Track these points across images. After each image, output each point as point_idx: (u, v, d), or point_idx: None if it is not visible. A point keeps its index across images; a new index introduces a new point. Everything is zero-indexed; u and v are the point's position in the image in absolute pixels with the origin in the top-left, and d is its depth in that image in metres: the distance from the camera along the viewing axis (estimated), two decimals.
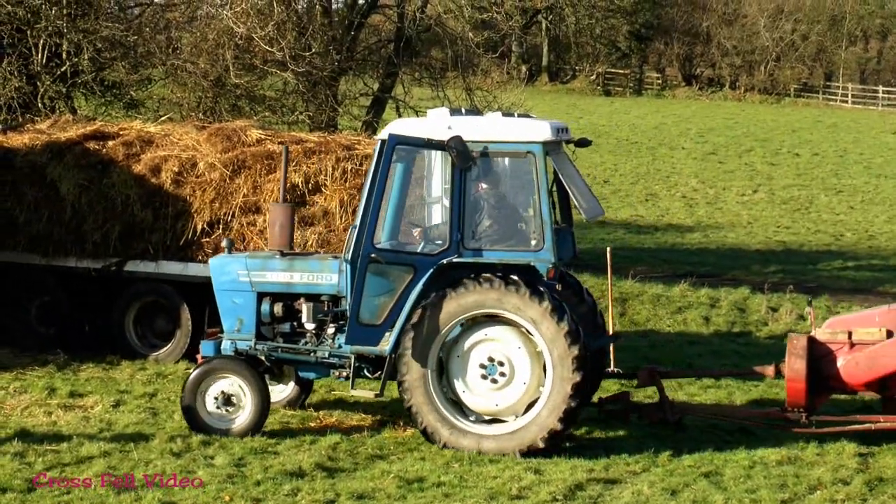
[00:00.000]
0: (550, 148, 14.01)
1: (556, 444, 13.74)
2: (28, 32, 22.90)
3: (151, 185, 17.65)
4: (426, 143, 13.97)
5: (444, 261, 13.72)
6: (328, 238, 17.00)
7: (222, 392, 14.24)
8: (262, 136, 18.15)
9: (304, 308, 14.50)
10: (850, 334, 14.27)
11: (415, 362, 13.72)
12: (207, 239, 17.40)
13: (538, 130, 13.99)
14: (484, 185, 14.04)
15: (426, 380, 13.75)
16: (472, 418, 13.85)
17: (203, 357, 14.65)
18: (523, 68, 73.85)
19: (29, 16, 22.83)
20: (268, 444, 13.92)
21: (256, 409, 14.20)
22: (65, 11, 23.01)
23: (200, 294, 17.25)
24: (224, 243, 15.24)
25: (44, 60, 23.14)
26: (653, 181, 41.06)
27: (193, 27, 25.79)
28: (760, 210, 36.21)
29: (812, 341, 14.27)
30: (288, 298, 14.63)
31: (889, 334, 14.22)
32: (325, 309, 14.48)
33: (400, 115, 27.71)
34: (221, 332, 14.96)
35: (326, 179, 17.38)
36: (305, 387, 15.63)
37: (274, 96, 25.71)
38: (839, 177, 43.94)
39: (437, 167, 14.65)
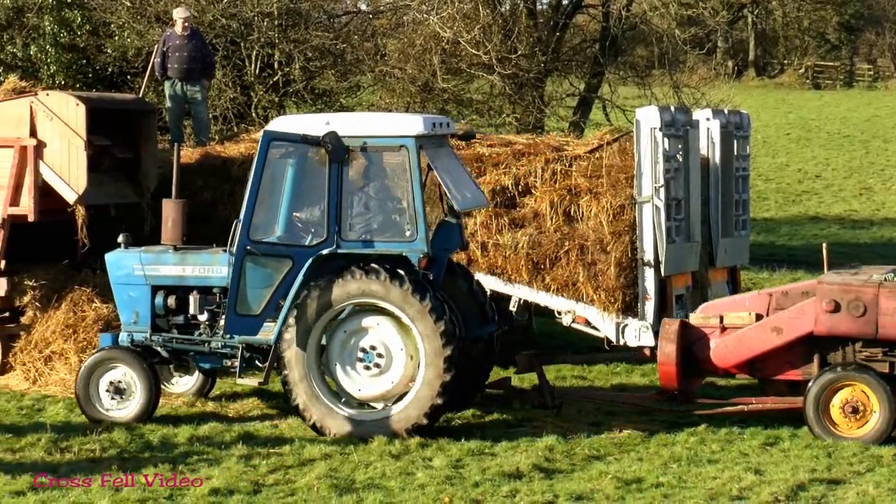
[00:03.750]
0: (425, 142, 14.37)
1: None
2: (241, 44, 23.46)
3: None
4: (302, 139, 14.35)
5: (324, 252, 14.19)
6: (539, 240, 16.97)
7: (112, 381, 14.89)
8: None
9: (197, 300, 15.04)
10: (721, 318, 14.68)
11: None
12: None
13: (411, 125, 14.38)
14: (362, 178, 14.55)
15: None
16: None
17: (100, 348, 15.35)
18: (730, 64, 72.91)
19: (242, 28, 23.37)
20: (484, 445, 14.00)
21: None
22: (276, 23, 23.49)
23: None
24: (120, 238, 15.67)
25: (257, 71, 23.68)
26: (867, 175, 40.13)
27: (400, 33, 26.10)
28: None
29: (685, 326, 14.72)
30: (181, 291, 15.18)
31: (758, 318, 14.57)
32: (217, 300, 14.96)
33: (607, 115, 27.64)
34: None
35: (536, 181, 17.37)
36: (210, 376, 16.16)
37: (481, 99, 25.85)
38: None
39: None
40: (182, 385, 16.26)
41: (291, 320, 14.23)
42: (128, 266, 15.37)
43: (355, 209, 14.47)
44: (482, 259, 17.01)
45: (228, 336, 14.74)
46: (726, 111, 18.56)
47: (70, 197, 17.19)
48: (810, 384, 14.19)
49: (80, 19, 23.46)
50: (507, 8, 26.72)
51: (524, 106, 25.12)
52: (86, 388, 14.98)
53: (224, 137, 20.92)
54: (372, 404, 14.45)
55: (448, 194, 14.61)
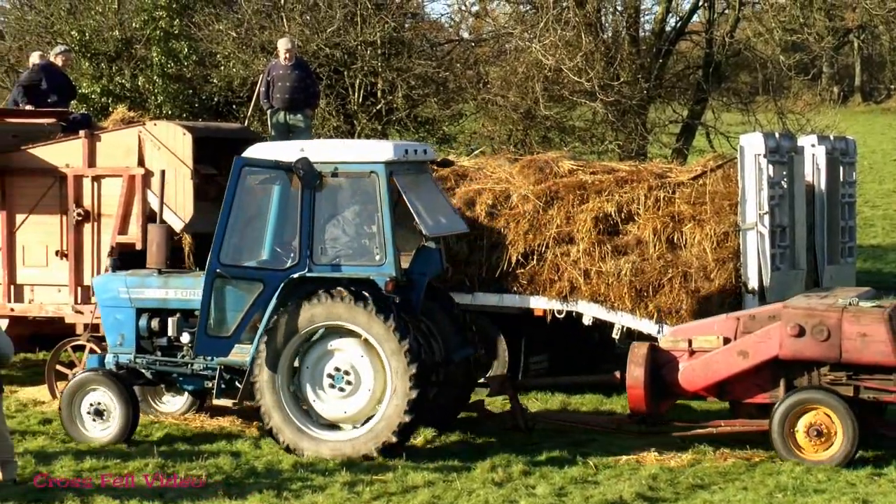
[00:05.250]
0: (397, 168, 14.52)
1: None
2: (345, 73, 23.69)
3: (466, 218, 17.91)
4: (274, 165, 14.62)
5: (295, 276, 14.41)
6: (642, 267, 16.90)
7: (93, 403, 15.21)
8: (574, 167, 18.22)
9: (180, 322, 15.31)
10: (690, 342, 14.78)
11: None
12: (522, 270, 17.51)
13: (381, 151, 14.59)
14: (334, 204, 14.75)
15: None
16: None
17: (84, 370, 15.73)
18: (835, 89, 72.19)
19: (346, 57, 23.60)
20: (587, 473, 13.95)
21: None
22: (379, 52, 23.69)
23: (516, 325, 17.45)
24: (108, 262, 16.03)
25: (360, 99, 23.88)
26: None
27: (502, 61, 26.18)
28: None
29: (654, 349, 14.84)
30: (164, 314, 15.47)
31: (726, 342, 14.63)
32: None
33: (710, 142, 27.49)
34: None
35: (639, 208, 17.32)
36: (199, 397, 16.36)
37: (583, 126, 25.83)
38: None
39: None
40: (172, 405, 16.61)
41: (264, 343, 14.53)
42: (114, 289, 15.75)
43: (327, 234, 14.71)
44: (585, 287, 16.98)
45: (210, 358, 15.04)
46: (832, 137, 18.40)
47: (177, 225, 17.44)
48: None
49: (186, 50, 23.83)
50: (610, 35, 26.70)
51: (627, 133, 25.06)
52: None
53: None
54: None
55: (416, 219, 14.72)
